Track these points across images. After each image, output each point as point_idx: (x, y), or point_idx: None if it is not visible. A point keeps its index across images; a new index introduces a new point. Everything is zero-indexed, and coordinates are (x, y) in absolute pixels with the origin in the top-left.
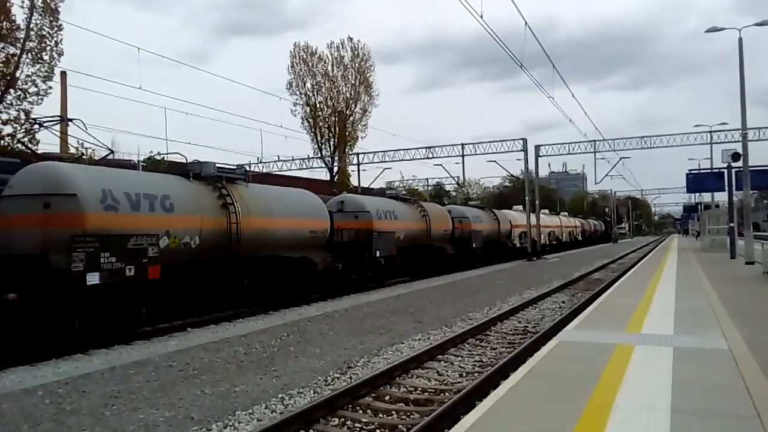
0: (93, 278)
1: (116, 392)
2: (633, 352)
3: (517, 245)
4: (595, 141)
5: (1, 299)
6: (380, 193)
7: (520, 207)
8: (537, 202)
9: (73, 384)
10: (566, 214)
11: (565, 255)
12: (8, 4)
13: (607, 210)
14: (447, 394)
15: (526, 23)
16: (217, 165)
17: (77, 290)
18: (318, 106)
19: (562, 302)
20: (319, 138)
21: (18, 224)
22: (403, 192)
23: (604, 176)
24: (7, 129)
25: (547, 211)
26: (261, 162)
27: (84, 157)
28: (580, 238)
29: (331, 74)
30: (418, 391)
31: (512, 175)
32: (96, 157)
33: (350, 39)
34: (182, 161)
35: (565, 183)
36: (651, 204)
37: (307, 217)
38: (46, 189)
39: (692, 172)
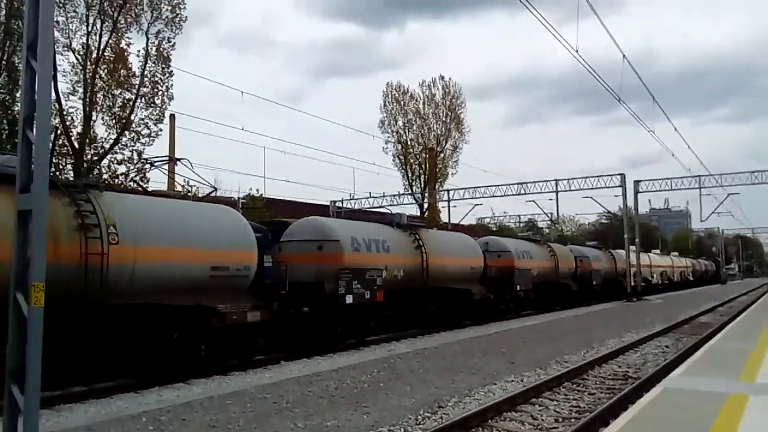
0: (349, 299)
1: (215, 422)
2: (747, 403)
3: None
4: (700, 176)
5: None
6: (514, 235)
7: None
8: (637, 240)
9: (174, 412)
10: (676, 254)
11: (668, 296)
12: (126, 54)
13: (714, 249)
14: None
15: (624, 56)
16: (408, 215)
17: (341, 308)
18: (409, 143)
19: (666, 347)
20: (409, 174)
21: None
22: (494, 228)
23: (711, 213)
24: (122, 168)
25: (658, 251)
26: (353, 198)
27: (189, 194)
28: (690, 279)
29: (422, 112)
30: None
31: (609, 212)
32: (200, 194)
33: (441, 77)
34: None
35: (667, 220)
36: (763, 243)
37: (468, 256)
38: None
39: None
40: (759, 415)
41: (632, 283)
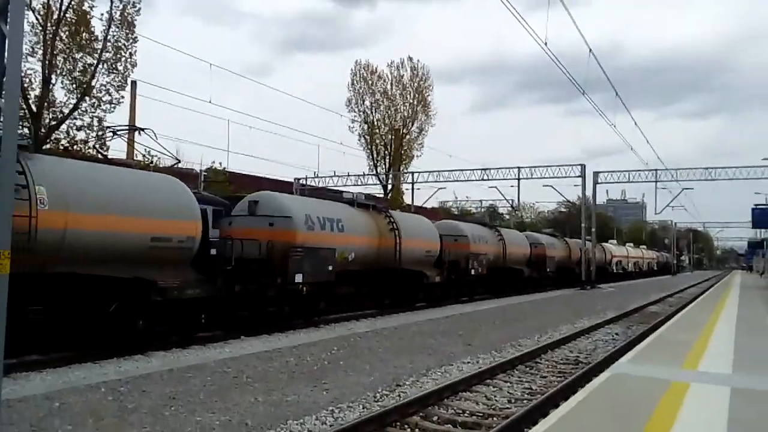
0: (298, 278)
1: (174, 393)
2: (688, 390)
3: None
4: (657, 170)
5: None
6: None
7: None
8: (593, 229)
9: (133, 383)
10: (644, 246)
11: (621, 285)
12: (89, 17)
13: (666, 241)
14: (495, 419)
15: (590, 50)
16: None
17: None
18: (375, 123)
19: (616, 334)
20: (374, 155)
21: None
22: (456, 212)
23: (665, 206)
24: (80, 135)
25: (614, 241)
26: (317, 176)
27: (151, 165)
28: (646, 269)
29: (389, 93)
30: (466, 414)
31: (568, 201)
32: (161, 166)
33: (410, 58)
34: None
35: (622, 211)
36: (713, 237)
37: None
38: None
39: (759, 207)
40: (698, 400)
41: (588, 272)
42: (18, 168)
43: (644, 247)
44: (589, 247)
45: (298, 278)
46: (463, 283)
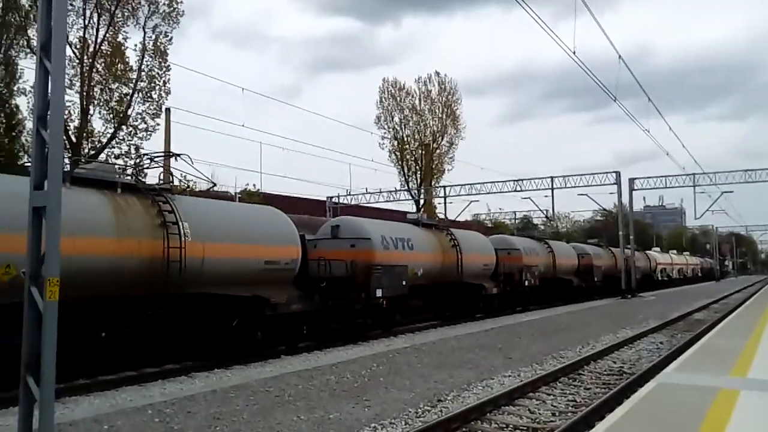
0: (378, 293)
1: (219, 414)
2: (738, 397)
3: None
4: (694, 174)
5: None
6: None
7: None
8: (632, 237)
9: (179, 404)
10: (687, 253)
11: (662, 293)
12: (123, 48)
13: (708, 246)
14: None
15: (620, 56)
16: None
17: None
18: (405, 139)
19: (660, 343)
20: (406, 171)
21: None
22: (489, 225)
23: (705, 211)
24: (119, 163)
25: (658, 249)
26: (349, 194)
27: (188, 189)
28: (691, 276)
29: (418, 108)
30: (509, 428)
31: (604, 209)
32: (197, 189)
33: (437, 73)
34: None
35: (661, 218)
36: (757, 241)
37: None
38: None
39: None
40: (749, 408)
41: (628, 281)
42: (168, 208)
43: (687, 253)
44: (629, 255)
45: (379, 293)
46: (518, 294)
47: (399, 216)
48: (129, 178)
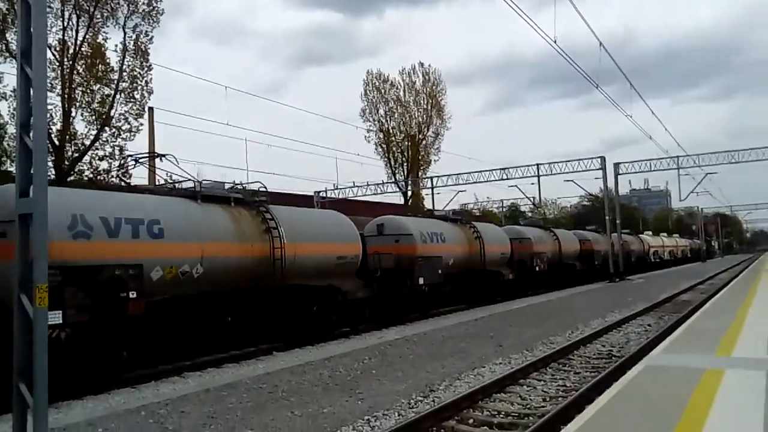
0: (420, 281)
1: (213, 413)
2: (723, 376)
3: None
4: (678, 157)
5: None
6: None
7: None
8: (618, 221)
9: (172, 405)
10: (677, 235)
11: (650, 275)
12: (103, 49)
13: (694, 228)
14: (531, 418)
15: (600, 43)
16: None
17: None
18: (391, 131)
19: (648, 325)
20: (392, 163)
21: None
22: (478, 214)
23: (689, 193)
24: (103, 165)
25: (649, 233)
26: (337, 188)
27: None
28: (679, 257)
29: (403, 100)
30: (501, 415)
31: (590, 194)
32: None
33: (421, 64)
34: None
35: (647, 200)
36: (742, 220)
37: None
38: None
39: None
40: (733, 386)
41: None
42: (269, 216)
43: (677, 235)
44: (620, 239)
45: (421, 281)
46: (530, 278)
47: (391, 209)
48: (239, 194)
